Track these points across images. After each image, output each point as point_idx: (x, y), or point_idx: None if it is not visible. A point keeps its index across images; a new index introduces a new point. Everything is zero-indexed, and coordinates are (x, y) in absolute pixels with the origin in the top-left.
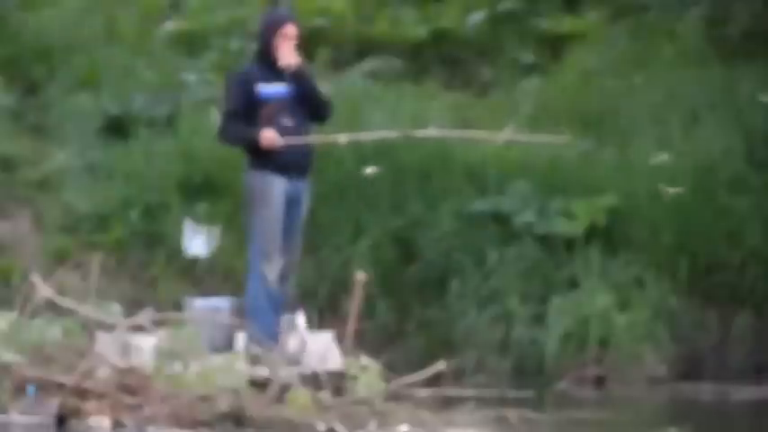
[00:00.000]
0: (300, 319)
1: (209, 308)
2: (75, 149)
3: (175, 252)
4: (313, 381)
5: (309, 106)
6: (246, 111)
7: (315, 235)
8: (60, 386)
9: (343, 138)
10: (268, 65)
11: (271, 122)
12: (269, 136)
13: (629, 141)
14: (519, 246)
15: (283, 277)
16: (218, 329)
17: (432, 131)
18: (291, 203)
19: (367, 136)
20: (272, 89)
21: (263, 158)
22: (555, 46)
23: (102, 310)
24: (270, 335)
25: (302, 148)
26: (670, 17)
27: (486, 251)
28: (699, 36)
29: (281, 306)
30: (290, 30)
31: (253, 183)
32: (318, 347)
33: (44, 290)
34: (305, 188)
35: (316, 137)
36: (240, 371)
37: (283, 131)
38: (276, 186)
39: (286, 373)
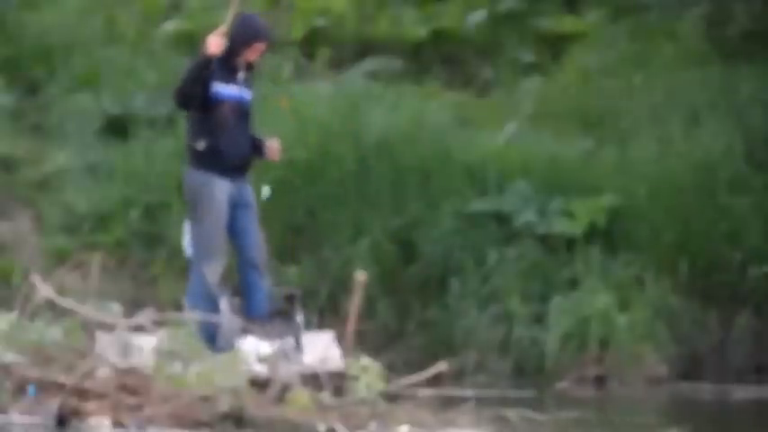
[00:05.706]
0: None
1: None
2: (75, 149)
3: (175, 252)
4: (313, 381)
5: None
6: (204, 108)
7: (315, 235)
8: (60, 386)
9: None
10: (227, 65)
11: (225, 122)
12: (211, 39)
13: (629, 141)
14: (519, 246)
15: (259, 277)
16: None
17: None
18: (239, 205)
19: None
20: (227, 90)
21: (208, 160)
22: (555, 46)
23: (102, 310)
24: (207, 335)
25: (244, 150)
26: (670, 17)
27: (486, 251)
28: (699, 36)
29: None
30: (263, 47)
31: (194, 182)
32: (318, 347)
33: (44, 290)
34: (246, 187)
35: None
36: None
37: (234, 134)
38: (219, 188)
39: (286, 373)
